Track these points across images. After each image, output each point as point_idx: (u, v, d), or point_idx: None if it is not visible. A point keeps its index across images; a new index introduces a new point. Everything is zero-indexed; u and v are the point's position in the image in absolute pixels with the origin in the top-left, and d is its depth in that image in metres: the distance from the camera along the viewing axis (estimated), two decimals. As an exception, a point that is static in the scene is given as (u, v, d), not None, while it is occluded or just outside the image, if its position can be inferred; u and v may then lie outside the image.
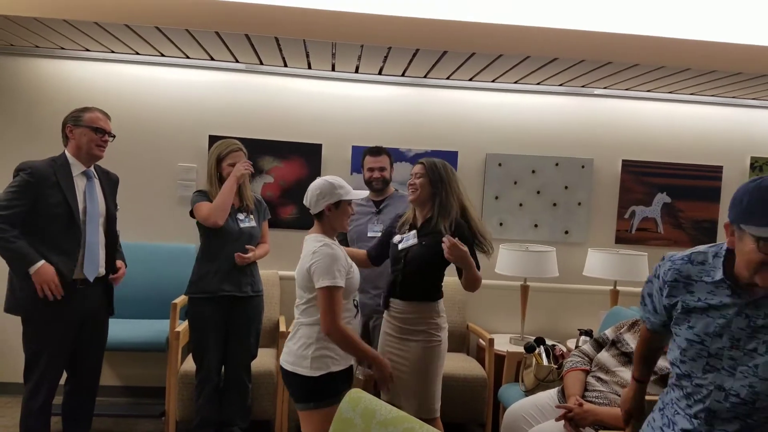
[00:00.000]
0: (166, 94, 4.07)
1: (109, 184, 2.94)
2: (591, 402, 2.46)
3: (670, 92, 4.18)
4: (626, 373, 2.47)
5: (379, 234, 3.18)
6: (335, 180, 2.35)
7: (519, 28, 3.17)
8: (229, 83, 4.10)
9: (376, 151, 3.36)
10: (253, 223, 3.19)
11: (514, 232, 4.32)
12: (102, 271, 2.81)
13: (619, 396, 2.36)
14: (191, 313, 3.15)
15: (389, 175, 3.37)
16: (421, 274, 2.60)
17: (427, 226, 2.61)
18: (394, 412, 1.51)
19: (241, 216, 3.16)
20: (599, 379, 2.57)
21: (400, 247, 2.62)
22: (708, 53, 3.26)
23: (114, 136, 2.87)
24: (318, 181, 2.35)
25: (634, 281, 4.02)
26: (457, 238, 2.39)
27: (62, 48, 3.80)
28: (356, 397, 1.60)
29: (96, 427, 3.01)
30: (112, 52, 3.82)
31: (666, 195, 4.44)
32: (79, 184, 2.74)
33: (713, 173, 4.44)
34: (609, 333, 2.77)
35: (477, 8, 3.15)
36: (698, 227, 4.47)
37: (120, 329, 3.43)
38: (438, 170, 2.63)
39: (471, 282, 2.56)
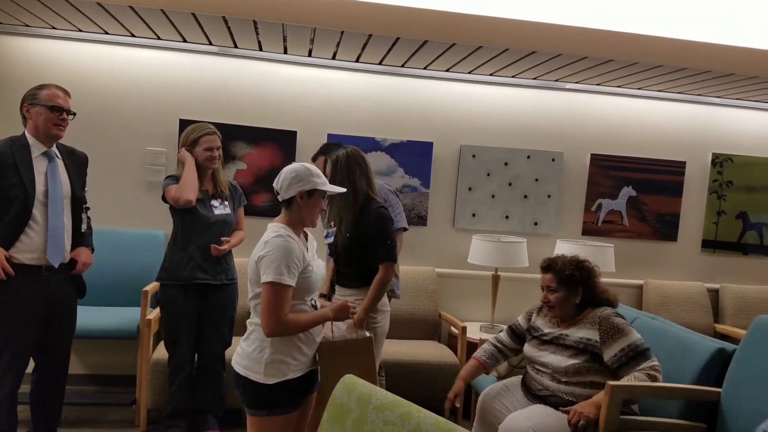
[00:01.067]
0: (136, 75, 3.96)
1: (75, 163, 2.80)
2: (547, 402, 2.48)
3: (639, 88, 4.29)
4: (551, 358, 2.48)
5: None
6: (313, 167, 2.11)
7: (499, 21, 3.20)
8: (202, 66, 4.02)
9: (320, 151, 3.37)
10: (228, 210, 3.12)
11: (486, 222, 4.38)
12: (68, 256, 2.71)
13: (567, 390, 2.42)
14: (163, 300, 3.08)
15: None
16: (353, 264, 2.69)
17: (358, 220, 2.68)
18: (390, 397, 1.52)
19: (215, 203, 3.09)
20: (538, 371, 2.55)
21: (326, 242, 2.78)
22: (680, 51, 3.36)
23: (74, 114, 2.72)
24: (294, 165, 2.10)
25: (601, 272, 4.11)
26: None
27: (26, 25, 3.64)
28: (351, 383, 1.60)
29: (65, 416, 2.93)
30: (80, 30, 3.68)
31: (631, 189, 4.57)
32: (40, 165, 2.61)
33: (677, 168, 4.60)
34: (521, 321, 2.78)
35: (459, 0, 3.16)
36: (661, 220, 4.62)
37: (89, 317, 3.34)
38: (343, 165, 2.68)
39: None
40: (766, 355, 2.36)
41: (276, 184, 2.10)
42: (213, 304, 3.09)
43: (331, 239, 2.79)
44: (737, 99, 4.42)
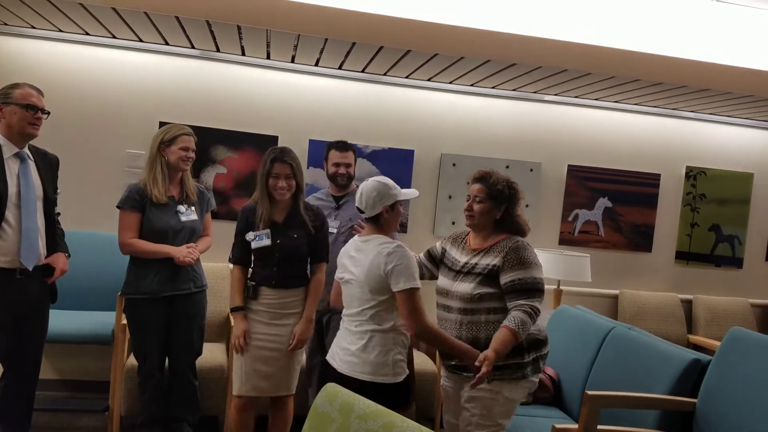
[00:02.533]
0: (116, 77, 3.91)
1: (47, 165, 2.74)
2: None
3: (616, 102, 4.37)
4: (460, 286, 2.37)
5: (335, 230, 3.16)
6: (387, 180, 2.27)
7: (481, 32, 3.24)
8: (183, 69, 3.99)
9: (343, 146, 3.28)
10: (194, 216, 2.99)
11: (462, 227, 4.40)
12: (42, 259, 2.65)
13: (473, 320, 2.33)
14: (129, 314, 2.97)
15: (353, 171, 3.31)
16: (297, 265, 2.75)
17: (293, 219, 2.72)
18: (372, 406, 1.51)
19: (181, 208, 2.96)
20: (448, 308, 2.42)
21: (253, 246, 2.68)
22: (657, 66, 3.44)
23: (48, 113, 2.66)
24: (372, 183, 2.25)
25: (577, 281, 4.18)
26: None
27: (5, 23, 3.58)
28: (333, 391, 1.59)
29: (34, 422, 2.86)
30: (60, 30, 3.63)
31: (607, 200, 4.65)
32: (12, 166, 2.55)
33: (652, 180, 4.69)
34: (437, 246, 2.68)
35: (443, 10, 3.19)
36: (636, 231, 4.71)
37: (63, 321, 3.28)
38: (300, 166, 2.74)
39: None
40: (740, 366, 2.42)
41: (359, 203, 2.27)
42: (181, 314, 2.97)
43: (265, 241, 2.68)
44: (711, 114, 4.54)
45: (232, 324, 2.80)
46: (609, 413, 2.52)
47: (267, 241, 2.68)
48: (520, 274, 2.28)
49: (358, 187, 3.31)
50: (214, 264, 3.82)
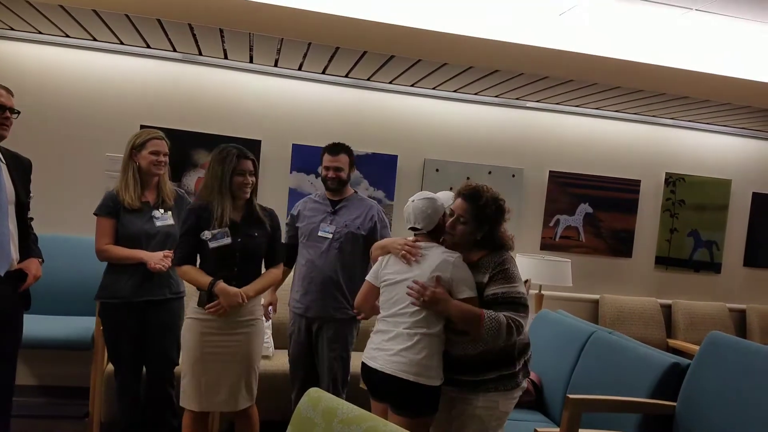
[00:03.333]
0: (97, 80, 3.87)
1: (20, 168, 2.65)
2: None
3: (597, 108, 4.43)
4: None
5: (330, 235, 3.09)
6: (431, 194, 2.37)
7: (464, 39, 3.26)
8: (164, 72, 3.96)
9: (335, 149, 3.17)
10: (171, 221, 2.92)
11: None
12: (15, 264, 2.58)
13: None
14: (103, 319, 2.92)
15: (347, 175, 3.17)
16: (256, 265, 2.69)
17: (251, 218, 2.67)
18: (356, 411, 1.51)
19: (157, 214, 2.91)
20: None
21: (212, 245, 2.55)
22: (637, 73, 3.49)
23: (18, 113, 2.58)
24: (420, 203, 2.32)
25: (558, 286, 4.22)
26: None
27: (-18, 23, 3.53)
28: (316, 396, 1.58)
29: (13, 429, 2.79)
30: (39, 32, 3.58)
31: (588, 205, 4.69)
32: None
33: (632, 186, 4.74)
34: None
35: (426, 16, 3.21)
36: (617, 237, 4.76)
37: (42, 326, 3.22)
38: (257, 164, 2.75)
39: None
40: (718, 369, 2.45)
41: (415, 223, 2.33)
42: (156, 321, 2.91)
43: (225, 240, 2.56)
44: (690, 121, 4.61)
45: (222, 294, 2.54)
46: (590, 417, 2.54)
47: (227, 240, 2.56)
48: (505, 288, 2.23)
49: (356, 192, 3.31)
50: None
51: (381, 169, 4.28)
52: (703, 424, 2.39)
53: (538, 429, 2.41)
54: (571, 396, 2.39)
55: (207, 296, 2.54)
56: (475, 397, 2.28)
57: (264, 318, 3.08)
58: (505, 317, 2.17)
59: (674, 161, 4.84)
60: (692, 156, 4.88)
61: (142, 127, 3.87)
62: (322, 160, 3.18)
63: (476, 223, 2.28)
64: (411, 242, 2.38)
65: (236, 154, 2.60)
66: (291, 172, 4.10)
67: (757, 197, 5.01)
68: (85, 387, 3.36)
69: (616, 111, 4.46)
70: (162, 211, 2.93)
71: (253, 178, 2.65)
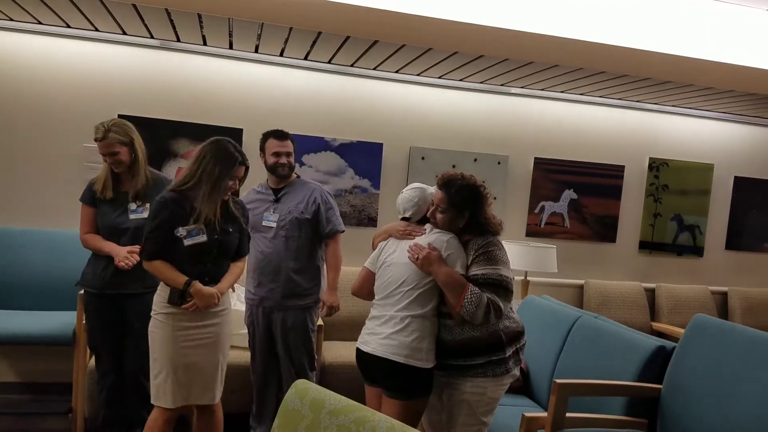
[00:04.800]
0: (72, 68, 3.77)
1: None
2: None
3: (582, 94, 4.42)
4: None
5: (274, 224, 3.05)
6: (420, 185, 2.49)
7: (449, 23, 3.21)
8: (142, 59, 3.87)
9: (281, 134, 3.10)
10: (146, 214, 2.84)
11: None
12: None
13: None
14: (84, 305, 2.93)
15: (294, 161, 3.14)
16: (228, 260, 2.63)
17: (226, 214, 2.57)
18: (344, 401, 1.48)
19: (132, 206, 2.86)
20: None
21: (187, 243, 2.45)
22: (622, 58, 3.48)
23: None
24: (407, 193, 2.47)
25: (543, 272, 4.23)
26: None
27: (-50, 10, 3.41)
28: (303, 388, 1.55)
29: (-6, 426, 2.76)
30: (11, 19, 3.47)
31: (573, 192, 4.70)
32: None
33: (616, 172, 4.76)
34: None
35: (410, 0, 3.16)
36: (601, 222, 4.77)
37: (22, 321, 3.16)
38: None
39: None
40: (704, 352, 2.47)
41: (404, 213, 2.46)
42: (132, 314, 2.88)
43: (201, 238, 2.47)
44: (673, 106, 4.62)
45: (198, 296, 2.46)
46: (577, 401, 2.55)
47: (203, 238, 2.46)
48: (485, 270, 2.23)
49: (299, 177, 3.25)
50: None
51: (366, 157, 4.23)
52: (688, 404, 2.41)
53: (526, 414, 2.40)
54: (558, 380, 2.39)
55: (180, 295, 2.47)
56: (464, 381, 2.28)
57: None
58: (487, 298, 2.18)
59: (658, 146, 4.86)
60: (675, 141, 4.90)
61: (119, 116, 3.79)
62: (266, 146, 3.09)
63: (455, 210, 2.31)
64: (412, 225, 2.46)
65: (238, 160, 2.50)
66: (274, 161, 4.05)
67: (738, 181, 5.05)
68: (68, 383, 3.30)
69: (600, 97, 4.46)
70: (138, 203, 2.87)
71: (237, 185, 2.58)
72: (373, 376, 2.37)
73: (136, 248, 2.75)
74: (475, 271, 2.25)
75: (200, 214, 2.44)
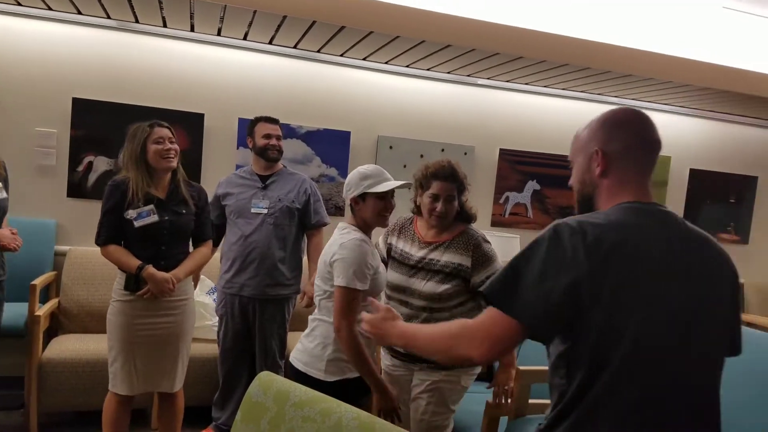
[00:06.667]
0: (23, 49, 3.60)
1: None
2: None
3: (546, 86, 4.45)
4: (423, 284, 2.26)
5: (264, 211, 3.03)
6: (367, 170, 2.11)
7: (417, 11, 3.18)
8: (98, 41, 3.72)
9: (271, 119, 3.14)
10: (4, 194, 2.71)
11: (401, 213, 4.36)
12: None
13: (438, 318, 2.22)
14: None
15: (282, 146, 3.16)
16: (183, 243, 2.57)
17: (176, 195, 2.53)
18: (309, 393, 1.45)
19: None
20: (405, 303, 2.30)
21: (137, 224, 2.42)
22: (584, 51, 3.51)
23: None
24: (355, 171, 2.13)
25: (507, 261, 4.25)
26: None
27: None
28: (267, 380, 1.52)
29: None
30: (-44, -7, 3.30)
31: (536, 183, 4.75)
32: None
33: (578, 164, 4.82)
34: (381, 245, 2.53)
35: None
36: (562, 213, 4.84)
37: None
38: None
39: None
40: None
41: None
42: None
43: (152, 218, 2.43)
44: (634, 99, 4.70)
45: (150, 280, 2.41)
46: (539, 387, 2.57)
47: (153, 218, 2.43)
48: (492, 269, 2.24)
49: (285, 167, 3.22)
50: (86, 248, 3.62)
51: (333, 145, 4.18)
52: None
53: (489, 400, 2.42)
54: (520, 368, 2.41)
55: (135, 280, 2.42)
56: (438, 372, 2.26)
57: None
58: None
59: (618, 138, 4.93)
60: (635, 133, 4.98)
61: (74, 100, 3.66)
62: (257, 130, 3.09)
63: (459, 197, 2.32)
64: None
65: (148, 124, 2.48)
66: (238, 148, 3.96)
67: (693, 173, 5.19)
68: (18, 376, 3.18)
69: (563, 89, 4.50)
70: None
71: (175, 146, 2.49)
72: None
73: (15, 229, 2.71)
74: (486, 273, 2.23)
75: (137, 191, 2.41)
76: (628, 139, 1.32)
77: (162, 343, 2.48)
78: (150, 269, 2.41)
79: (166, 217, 2.47)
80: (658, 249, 1.20)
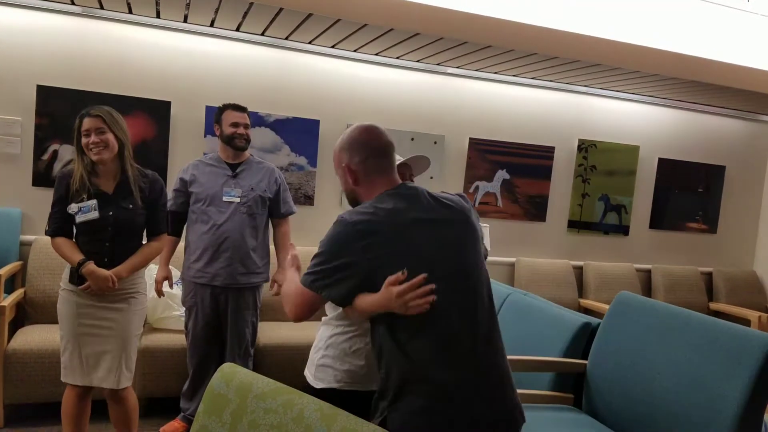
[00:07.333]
0: (-19, 33, 3.50)
1: None
2: None
3: (515, 75, 4.47)
4: None
5: (237, 199, 3.01)
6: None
7: (386, 0, 3.17)
8: (63, 28, 3.62)
9: (240, 107, 3.10)
10: None
11: (369, 202, 4.39)
12: None
13: None
14: None
15: (250, 135, 3.13)
16: (132, 239, 2.47)
17: (125, 188, 2.42)
18: (272, 385, 1.45)
19: None
20: None
21: (78, 219, 2.34)
22: (552, 40, 3.53)
23: None
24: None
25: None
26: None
27: None
28: (229, 372, 1.51)
29: None
30: None
31: (505, 172, 4.78)
32: None
33: (546, 153, 4.87)
34: None
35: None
36: (531, 202, 4.89)
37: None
38: (118, 121, 2.40)
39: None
40: (627, 327, 2.56)
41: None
42: None
43: (92, 214, 2.34)
44: (602, 88, 4.76)
45: (90, 277, 2.34)
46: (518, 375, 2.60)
47: (94, 214, 2.34)
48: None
49: (252, 156, 3.20)
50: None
51: (302, 134, 4.15)
52: (613, 378, 2.51)
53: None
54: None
55: (77, 275, 2.36)
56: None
57: (157, 293, 3.05)
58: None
59: (587, 128, 5.00)
60: (604, 123, 5.05)
61: (39, 87, 3.57)
62: (224, 117, 3.05)
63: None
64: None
65: (80, 114, 2.35)
66: (205, 136, 3.91)
67: (662, 162, 5.28)
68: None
69: (532, 78, 4.53)
70: None
71: (105, 136, 2.33)
72: None
73: None
74: None
75: (78, 183, 2.34)
76: (363, 153, 1.65)
77: (107, 337, 2.42)
78: (90, 266, 2.33)
79: (111, 213, 2.37)
80: (411, 215, 1.57)
